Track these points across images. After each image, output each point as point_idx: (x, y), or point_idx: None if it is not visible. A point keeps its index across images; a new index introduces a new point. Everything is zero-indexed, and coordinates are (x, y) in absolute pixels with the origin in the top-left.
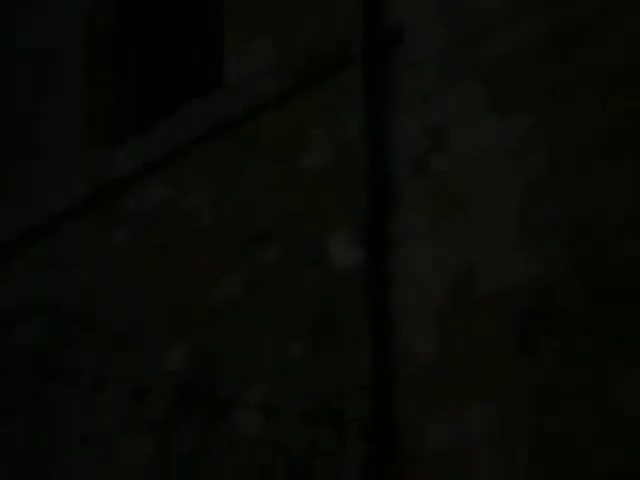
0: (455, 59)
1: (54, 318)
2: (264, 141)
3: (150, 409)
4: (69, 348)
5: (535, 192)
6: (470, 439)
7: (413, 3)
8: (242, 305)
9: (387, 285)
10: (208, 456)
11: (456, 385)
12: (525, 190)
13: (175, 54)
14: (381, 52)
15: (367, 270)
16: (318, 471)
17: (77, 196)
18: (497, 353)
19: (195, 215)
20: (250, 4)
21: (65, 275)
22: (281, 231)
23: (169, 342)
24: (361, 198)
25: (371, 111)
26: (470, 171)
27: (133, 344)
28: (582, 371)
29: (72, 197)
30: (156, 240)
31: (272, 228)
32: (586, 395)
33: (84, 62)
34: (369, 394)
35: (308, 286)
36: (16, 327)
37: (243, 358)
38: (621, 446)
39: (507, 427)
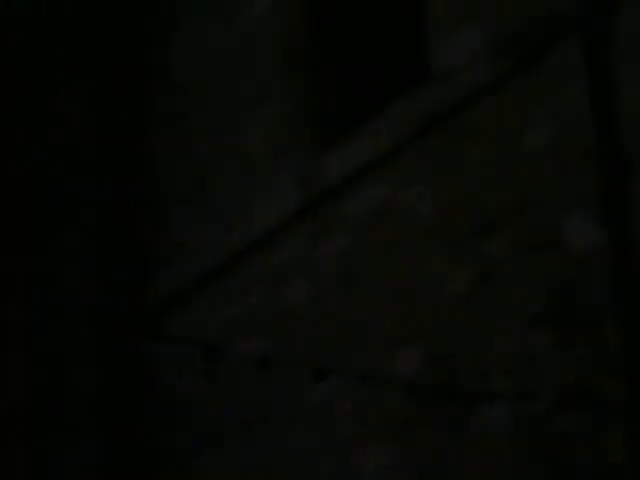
0: None
1: (275, 334)
2: (481, 128)
3: (386, 412)
4: (298, 354)
5: None
6: None
7: None
8: (475, 299)
9: (634, 262)
10: (454, 456)
11: None
12: None
13: (369, 49)
14: (600, 22)
15: (610, 248)
16: (578, 459)
17: (289, 209)
18: None
19: (414, 212)
20: None
21: (283, 289)
22: (509, 218)
23: (400, 343)
24: (593, 175)
25: (595, 83)
26: None
27: (361, 350)
28: None
29: (284, 210)
30: (375, 242)
31: (498, 216)
32: None
33: (281, 71)
34: (626, 378)
35: (544, 272)
36: (237, 346)
37: (483, 352)
38: None
39: None
